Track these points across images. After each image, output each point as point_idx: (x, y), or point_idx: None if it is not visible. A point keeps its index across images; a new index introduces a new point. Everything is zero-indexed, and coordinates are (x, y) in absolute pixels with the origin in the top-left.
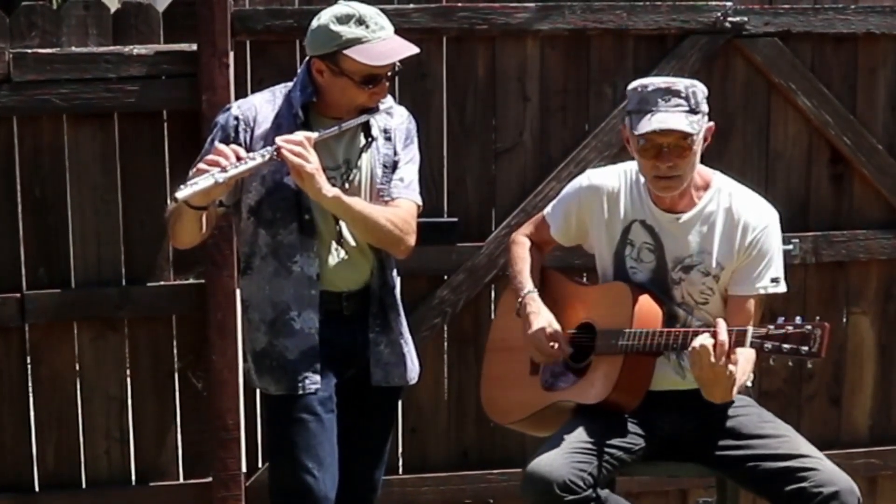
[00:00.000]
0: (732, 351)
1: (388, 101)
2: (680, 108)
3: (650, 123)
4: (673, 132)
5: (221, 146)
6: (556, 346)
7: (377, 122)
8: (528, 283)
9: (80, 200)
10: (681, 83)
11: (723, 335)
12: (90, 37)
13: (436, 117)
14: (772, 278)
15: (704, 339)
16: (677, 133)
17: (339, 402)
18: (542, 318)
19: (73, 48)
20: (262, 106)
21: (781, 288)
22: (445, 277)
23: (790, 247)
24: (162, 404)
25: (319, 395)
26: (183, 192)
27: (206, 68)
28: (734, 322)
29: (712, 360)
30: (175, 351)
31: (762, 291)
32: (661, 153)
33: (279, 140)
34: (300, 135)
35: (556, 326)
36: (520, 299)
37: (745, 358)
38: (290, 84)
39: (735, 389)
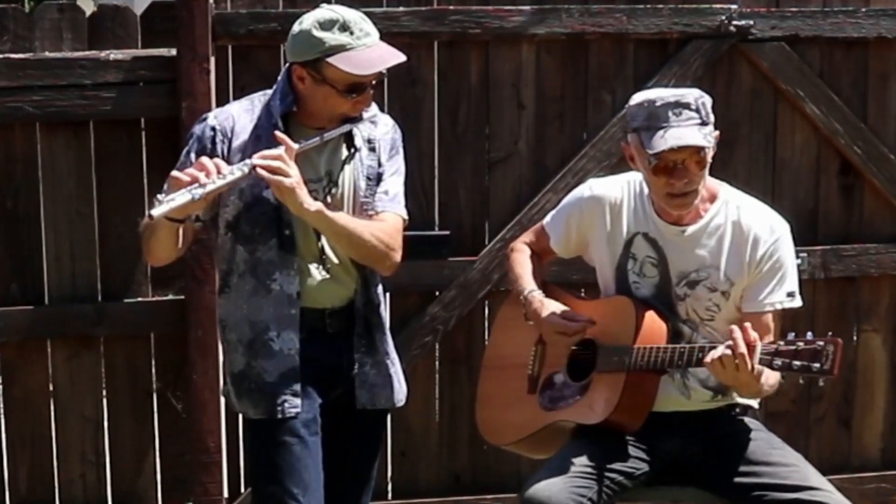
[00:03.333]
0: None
1: (373, 110)
2: (692, 121)
3: (665, 141)
4: (689, 148)
5: (205, 160)
6: (575, 321)
7: (360, 132)
8: (529, 284)
9: (54, 213)
10: (689, 95)
11: (741, 347)
12: (64, 41)
13: (427, 126)
14: (787, 292)
15: (719, 353)
16: (692, 148)
17: (324, 425)
18: (549, 304)
19: (47, 53)
20: (240, 115)
21: (797, 302)
22: (437, 293)
23: (798, 261)
24: (140, 426)
25: (303, 416)
26: (158, 210)
27: (185, 74)
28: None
29: (734, 370)
30: (153, 370)
31: (778, 307)
32: (675, 170)
33: (256, 156)
34: (281, 147)
35: (566, 308)
36: (522, 297)
37: None
38: (269, 92)
39: (762, 382)
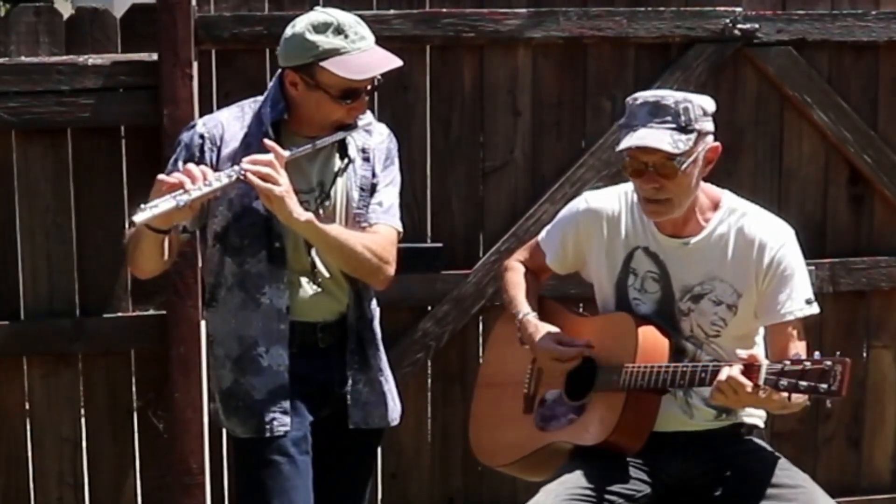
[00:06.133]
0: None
1: (367, 118)
2: (665, 125)
3: (629, 139)
4: (653, 150)
5: (191, 166)
6: (571, 348)
7: (355, 141)
8: (524, 307)
9: (30, 224)
10: (671, 98)
11: (731, 372)
12: (41, 45)
13: (418, 133)
14: (805, 300)
15: (721, 394)
16: (661, 152)
17: (314, 444)
18: (544, 329)
19: (23, 58)
20: (230, 123)
21: (815, 309)
22: (429, 308)
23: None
24: (119, 446)
25: (293, 435)
26: (141, 216)
27: (167, 80)
28: (784, 354)
29: (738, 401)
30: (134, 388)
31: (799, 314)
32: (645, 173)
33: (245, 161)
34: (271, 145)
35: (560, 332)
36: (517, 321)
37: None
38: (260, 98)
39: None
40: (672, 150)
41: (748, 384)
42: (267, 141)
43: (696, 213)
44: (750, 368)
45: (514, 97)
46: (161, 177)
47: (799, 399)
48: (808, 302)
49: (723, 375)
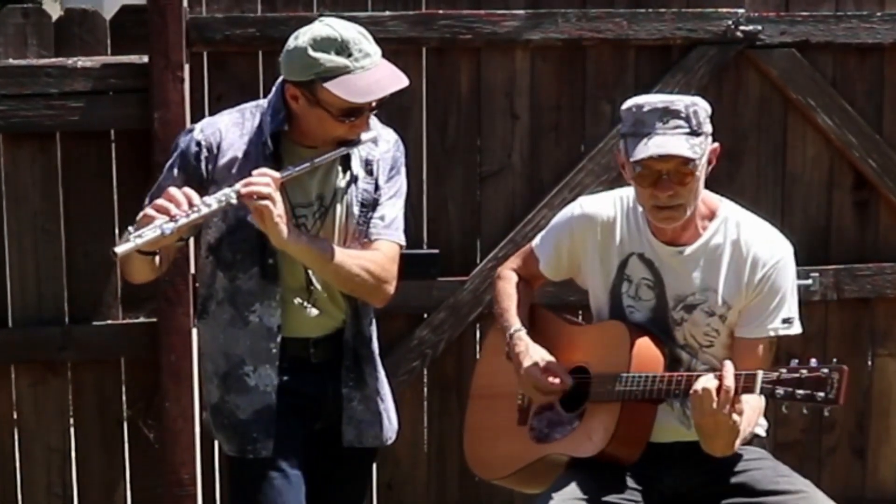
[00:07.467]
0: (738, 399)
1: (373, 132)
2: (680, 129)
3: (647, 148)
4: (673, 157)
5: (174, 191)
6: (556, 379)
7: (359, 152)
8: (514, 322)
9: (18, 229)
10: (680, 102)
11: (729, 380)
12: (29, 48)
13: (414, 137)
14: (783, 319)
15: (707, 383)
16: (678, 158)
17: (307, 459)
18: (533, 353)
19: (11, 60)
20: (229, 130)
21: (795, 329)
22: (425, 316)
23: (809, 281)
24: (109, 457)
25: (285, 448)
26: (123, 247)
27: (158, 83)
28: (742, 368)
29: (714, 406)
30: (124, 397)
31: (772, 334)
32: (659, 181)
33: (238, 185)
34: (263, 171)
35: (550, 358)
36: (507, 336)
37: (751, 407)
38: (262, 103)
39: (738, 442)
40: (692, 155)
41: (715, 400)
42: (255, 172)
43: (695, 220)
44: (746, 377)
45: (512, 100)
46: (148, 211)
47: (749, 430)
48: (787, 321)
49: (699, 386)
